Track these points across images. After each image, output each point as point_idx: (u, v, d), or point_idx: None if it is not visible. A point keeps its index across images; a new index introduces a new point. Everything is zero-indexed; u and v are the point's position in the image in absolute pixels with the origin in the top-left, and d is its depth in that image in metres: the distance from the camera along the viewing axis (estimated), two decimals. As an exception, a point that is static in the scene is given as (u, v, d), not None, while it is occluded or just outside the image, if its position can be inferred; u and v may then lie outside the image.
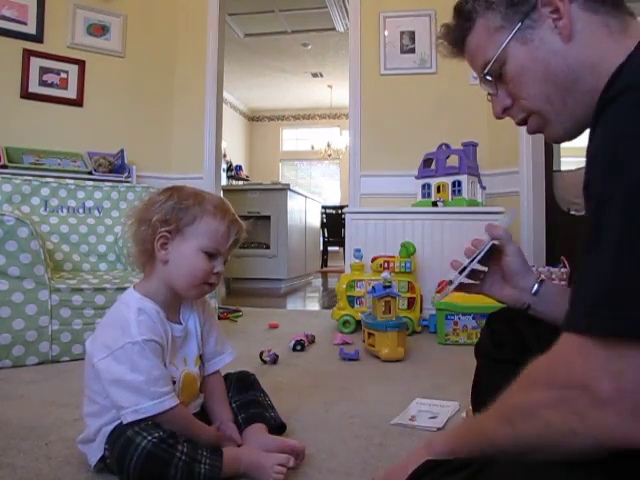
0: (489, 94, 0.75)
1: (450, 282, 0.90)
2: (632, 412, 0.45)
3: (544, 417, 0.51)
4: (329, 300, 4.12)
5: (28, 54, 2.95)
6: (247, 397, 1.19)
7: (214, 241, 1.04)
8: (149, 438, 0.90)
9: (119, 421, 0.97)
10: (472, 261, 0.87)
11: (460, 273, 0.88)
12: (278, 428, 1.17)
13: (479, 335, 1.06)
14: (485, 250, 0.87)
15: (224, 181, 7.28)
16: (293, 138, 9.86)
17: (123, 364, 0.94)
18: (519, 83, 0.69)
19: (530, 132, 0.76)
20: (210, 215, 1.04)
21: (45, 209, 2.35)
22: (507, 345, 0.93)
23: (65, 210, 2.40)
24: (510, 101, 0.73)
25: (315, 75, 7.65)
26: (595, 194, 0.51)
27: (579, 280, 0.51)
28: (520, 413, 0.54)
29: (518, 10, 0.66)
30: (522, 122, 0.75)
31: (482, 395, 1.00)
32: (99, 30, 3.19)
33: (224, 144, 3.73)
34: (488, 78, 0.71)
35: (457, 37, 0.75)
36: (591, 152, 0.54)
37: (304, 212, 5.56)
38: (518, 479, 0.59)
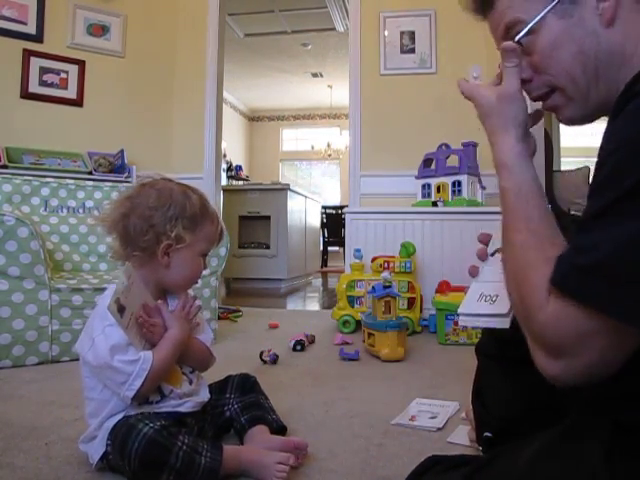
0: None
1: (501, 312, 0.79)
2: (552, 353, 0.54)
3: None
4: (329, 300, 4.12)
5: (28, 54, 2.95)
6: (249, 399, 1.19)
7: (210, 244, 1.11)
8: (151, 425, 0.91)
9: (121, 414, 0.98)
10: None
11: (510, 309, 0.77)
12: (279, 430, 1.17)
13: (480, 335, 1.06)
14: None
15: (224, 181, 7.27)
16: (293, 138, 9.85)
17: (104, 347, 0.96)
18: (549, 57, 0.66)
19: (546, 109, 0.72)
20: (209, 221, 1.09)
21: (45, 209, 2.35)
22: (508, 344, 0.93)
23: (65, 210, 2.40)
24: (530, 73, 0.69)
25: (315, 75, 7.65)
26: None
27: (583, 232, 0.53)
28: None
29: None
30: (539, 98, 0.71)
31: (483, 394, 1.00)
32: (99, 30, 3.19)
33: (224, 144, 3.73)
34: (519, 43, 0.66)
35: None
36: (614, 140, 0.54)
37: (304, 212, 5.56)
38: (515, 477, 0.59)
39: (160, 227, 1.03)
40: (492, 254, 0.89)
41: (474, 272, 0.88)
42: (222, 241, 1.17)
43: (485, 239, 0.90)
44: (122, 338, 0.97)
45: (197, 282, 1.14)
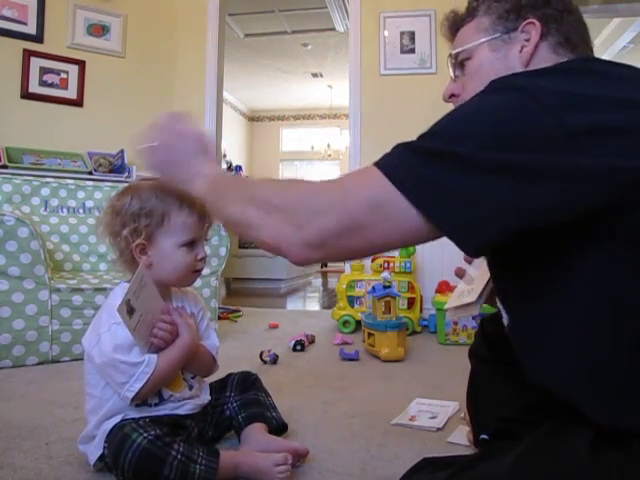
0: (452, 78, 0.83)
1: (470, 301, 0.91)
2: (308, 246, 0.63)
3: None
4: (329, 300, 4.13)
5: (28, 54, 2.95)
6: (248, 396, 1.18)
7: (189, 233, 1.04)
8: (145, 435, 0.90)
9: (118, 417, 0.98)
10: (489, 279, 0.88)
11: (479, 298, 0.90)
12: (279, 428, 1.16)
13: (473, 339, 1.08)
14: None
15: (224, 181, 7.26)
16: (293, 138, 9.85)
17: (109, 345, 0.96)
18: (472, 79, 0.77)
19: None
20: (176, 209, 1.03)
21: (45, 209, 2.35)
22: (501, 347, 0.94)
23: (65, 210, 2.40)
24: (459, 91, 0.81)
25: (315, 75, 7.64)
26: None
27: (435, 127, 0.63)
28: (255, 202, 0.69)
29: (504, 24, 0.75)
30: None
31: (477, 397, 1.01)
32: (99, 30, 3.19)
33: (224, 144, 3.73)
34: (452, 61, 0.81)
35: (455, 24, 0.83)
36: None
37: (304, 212, 5.55)
38: (499, 477, 0.60)
39: (126, 229, 1.01)
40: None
41: (460, 273, 0.97)
42: (210, 227, 1.09)
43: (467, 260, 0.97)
44: (127, 338, 0.96)
45: (197, 274, 1.08)
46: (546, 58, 0.72)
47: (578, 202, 0.54)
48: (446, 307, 0.98)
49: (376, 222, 0.59)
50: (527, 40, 0.73)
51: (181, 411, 1.05)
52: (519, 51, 0.73)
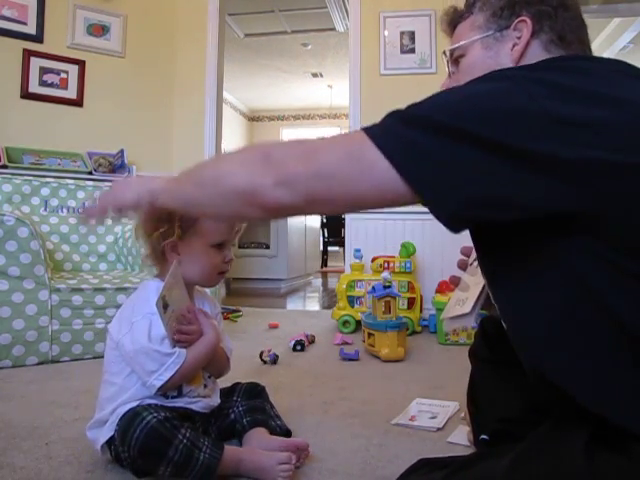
0: (448, 75, 0.86)
1: (464, 312, 0.89)
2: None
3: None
4: (329, 300, 4.13)
5: (28, 54, 2.94)
6: (254, 403, 1.19)
7: (219, 235, 1.08)
8: (155, 415, 0.92)
9: (135, 402, 0.99)
10: (483, 288, 0.87)
11: (473, 309, 0.88)
12: (282, 435, 1.16)
13: (473, 339, 1.08)
14: None
15: (224, 181, 7.26)
16: (293, 138, 9.84)
17: (143, 333, 0.99)
18: (464, 75, 0.78)
19: None
20: None
21: (45, 209, 2.35)
22: (501, 348, 0.94)
23: (65, 210, 2.40)
24: (454, 86, 0.81)
25: (315, 75, 7.64)
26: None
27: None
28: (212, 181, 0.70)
29: (497, 22, 0.76)
30: None
31: (478, 397, 1.01)
32: (99, 30, 3.18)
33: (224, 144, 3.73)
34: (447, 57, 0.83)
35: (453, 20, 0.85)
36: None
37: (304, 212, 5.55)
38: (496, 478, 0.60)
39: (161, 226, 1.04)
40: (470, 263, 0.94)
41: (455, 282, 0.97)
42: (240, 231, 1.13)
43: (467, 251, 0.97)
44: (161, 330, 0.99)
45: (222, 276, 1.13)
46: (537, 55, 0.72)
47: (547, 187, 0.55)
48: (442, 317, 0.97)
49: (350, 174, 0.60)
50: (519, 38, 0.73)
51: (194, 407, 1.07)
52: (510, 49, 0.74)
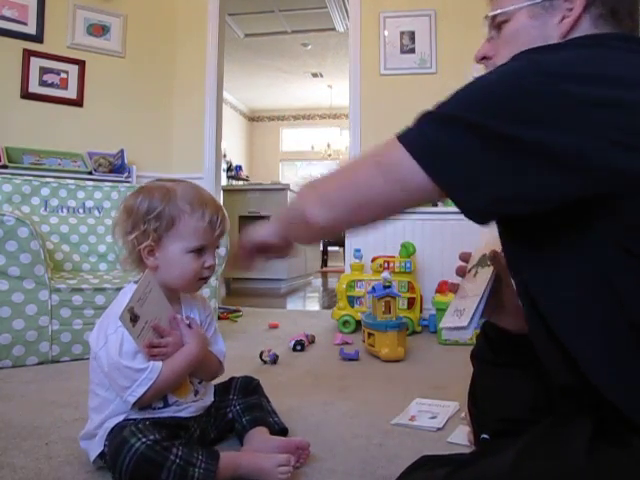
0: (487, 39, 0.81)
1: (462, 325, 0.86)
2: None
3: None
4: (329, 300, 4.12)
5: (28, 54, 2.94)
6: (251, 400, 1.19)
7: (197, 239, 1.02)
8: (143, 440, 0.89)
9: (121, 417, 0.98)
10: (481, 300, 0.85)
11: (470, 322, 0.85)
12: (280, 433, 1.16)
13: (475, 340, 1.07)
14: (491, 285, 0.85)
15: (224, 181, 7.27)
16: (293, 138, 9.84)
17: (115, 348, 0.96)
18: (506, 43, 0.75)
19: None
20: (187, 214, 1.01)
21: (45, 209, 2.35)
22: (503, 349, 0.94)
23: (65, 210, 2.40)
24: (492, 53, 0.79)
25: (315, 75, 7.64)
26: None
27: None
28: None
29: None
30: None
31: (479, 398, 1.00)
32: (99, 30, 3.18)
33: (224, 144, 3.73)
34: (489, 21, 0.78)
35: None
36: None
37: (304, 212, 5.54)
38: (498, 475, 0.60)
39: (136, 229, 1.01)
40: (469, 270, 0.92)
41: (453, 289, 0.95)
42: (222, 235, 1.07)
43: (466, 257, 0.95)
44: (133, 344, 0.96)
45: (202, 282, 1.08)
46: (585, 30, 0.69)
47: (572, 178, 0.56)
48: (441, 326, 0.94)
49: (386, 183, 0.64)
50: (569, 10, 0.69)
51: (184, 413, 1.05)
52: (559, 21, 0.70)
